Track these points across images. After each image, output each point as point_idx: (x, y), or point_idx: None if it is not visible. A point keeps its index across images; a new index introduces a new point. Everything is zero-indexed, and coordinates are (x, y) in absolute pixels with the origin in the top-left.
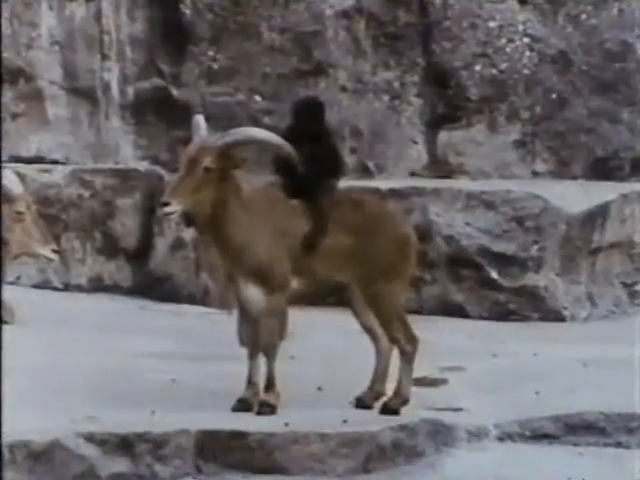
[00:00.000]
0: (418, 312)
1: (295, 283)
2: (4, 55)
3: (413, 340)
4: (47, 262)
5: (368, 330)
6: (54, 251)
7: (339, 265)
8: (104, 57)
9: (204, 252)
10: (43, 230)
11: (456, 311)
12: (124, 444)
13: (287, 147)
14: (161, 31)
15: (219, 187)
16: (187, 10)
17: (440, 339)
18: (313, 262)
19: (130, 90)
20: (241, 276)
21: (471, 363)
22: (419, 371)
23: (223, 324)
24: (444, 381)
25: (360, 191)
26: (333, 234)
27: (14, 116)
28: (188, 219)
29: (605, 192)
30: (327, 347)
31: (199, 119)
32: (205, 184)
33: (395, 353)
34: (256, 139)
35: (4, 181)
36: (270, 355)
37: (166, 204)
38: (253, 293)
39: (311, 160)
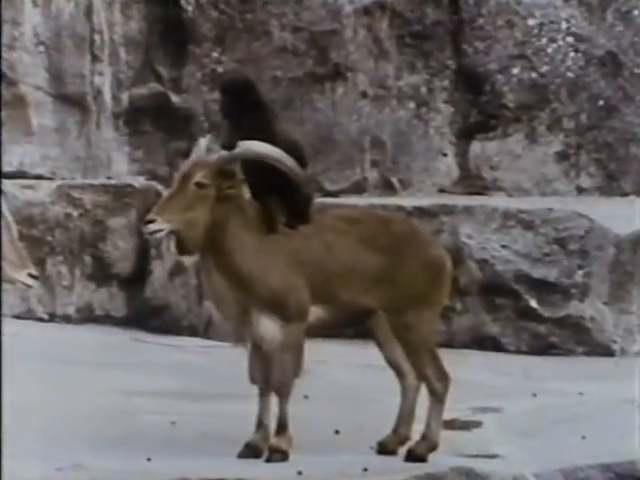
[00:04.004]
0: (448, 345)
1: (314, 312)
2: None
3: (444, 378)
4: (26, 289)
5: (393, 365)
6: (31, 276)
7: (364, 288)
8: (95, 59)
9: (207, 281)
10: (21, 252)
11: (491, 344)
12: None
13: (290, 163)
14: (159, 30)
15: (217, 207)
16: (188, 7)
17: (473, 376)
18: (335, 286)
19: (124, 96)
20: (253, 307)
21: (508, 403)
22: (449, 412)
23: (228, 359)
24: (477, 424)
25: (382, 209)
26: (357, 253)
27: None
28: (180, 244)
29: None
30: (345, 385)
31: (202, 143)
32: (198, 202)
33: (423, 392)
34: (256, 154)
35: None
36: (283, 394)
37: (151, 221)
38: (268, 326)
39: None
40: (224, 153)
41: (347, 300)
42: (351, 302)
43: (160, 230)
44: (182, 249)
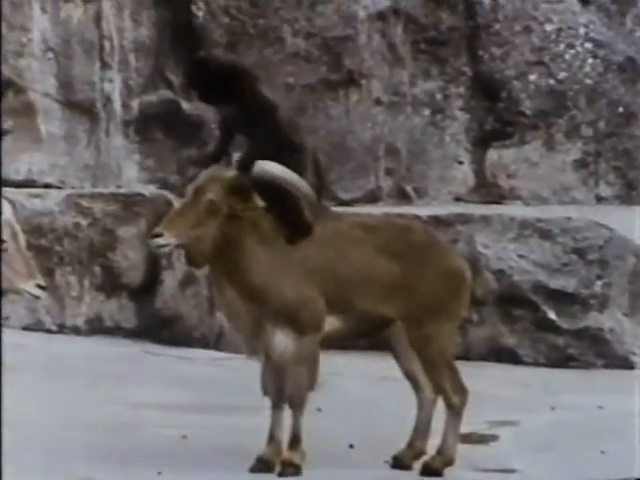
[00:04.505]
0: (464, 357)
1: (330, 322)
2: None
3: (462, 391)
4: (35, 300)
5: (410, 377)
6: (39, 287)
7: (381, 297)
8: (105, 66)
9: (219, 295)
10: (28, 262)
11: (508, 356)
12: None
13: (306, 188)
14: (170, 36)
15: (229, 224)
16: (200, 12)
17: (489, 389)
18: (351, 295)
19: (134, 104)
20: (268, 320)
21: (525, 417)
22: (466, 426)
23: (240, 371)
24: (494, 437)
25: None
26: (373, 261)
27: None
28: (188, 258)
29: None
30: (360, 397)
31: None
32: (208, 218)
33: (440, 405)
34: (271, 176)
35: None
36: (297, 407)
37: (158, 235)
38: (282, 338)
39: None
40: (239, 173)
41: (363, 309)
42: (368, 311)
43: (166, 245)
44: (190, 262)
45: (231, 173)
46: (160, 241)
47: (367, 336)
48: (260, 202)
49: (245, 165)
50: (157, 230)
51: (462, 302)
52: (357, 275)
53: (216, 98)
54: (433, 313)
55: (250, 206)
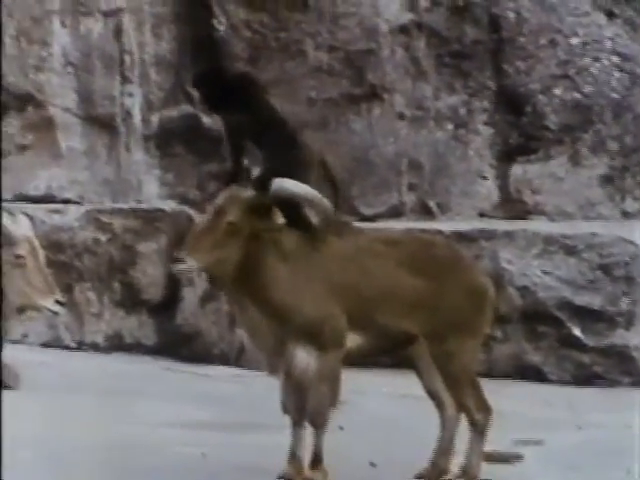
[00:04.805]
0: (488, 375)
1: (352, 339)
2: (10, 79)
3: (486, 409)
4: (54, 316)
5: (433, 395)
6: (58, 302)
7: (403, 313)
8: (125, 80)
9: (240, 313)
10: (47, 278)
11: (532, 374)
12: None
13: (325, 204)
14: (191, 50)
15: (249, 244)
16: (221, 26)
17: (514, 407)
18: (373, 311)
19: (155, 118)
20: (289, 338)
21: (550, 435)
22: (489, 444)
23: (260, 388)
24: (519, 457)
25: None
26: (395, 276)
27: (21, 148)
28: (211, 279)
29: None
30: (382, 415)
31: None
32: (229, 240)
33: (463, 423)
34: (292, 194)
35: (5, 221)
36: (319, 425)
37: (180, 260)
38: (304, 355)
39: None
40: (257, 193)
41: (385, 325)
42: (390, 327)
43: (189, 270)
44: (213, 284)
45: (249, 193)
46: (182, 266)
47: (389, 353)
48: (281, 219)
49: (263, 183)
50: (178, 255)
51: (485, 318)
52: (379, 291)
53: (223, 107)
54: (456, 329)
55: (271, 225)
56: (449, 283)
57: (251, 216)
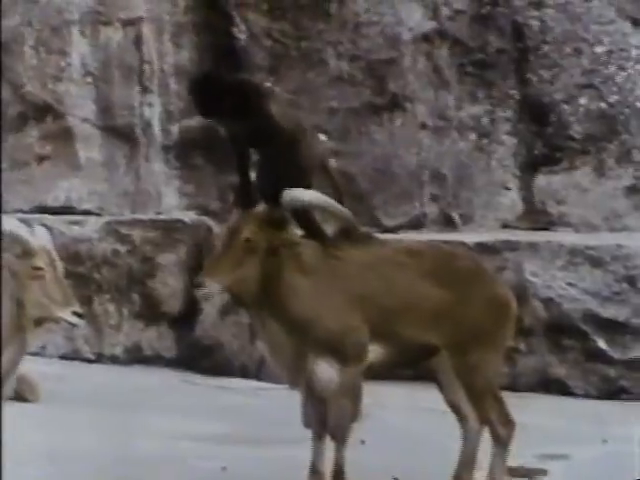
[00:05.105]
0: (512, 388)
1: (374, 350)
2: (28, 89)
3: (509, 423)
4: (72, 328)
5: (455, 408)
6: (77, 314)
7: (425, 324)
8: (144, 90)
9: (261, 329)
10: (66, 290)
11: (557, 387)
12: None
13: (346, 214)
14: (211, 60)
15: (267, 261)
16: (241, 35)
17: (538, 420)
18: (394, 322)
19: (174, 129)
20: (310, 352)
21: (576, 450)
22: (513, 459)
23: (281, 402)
24: (543, 472)
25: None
26: (417, 288)
27: (40, 159)
28: (234, 298)
29: None
30: (404, 429)
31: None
32: (247, 257)
33: (485, 437)
34: (308, 204)
35: (20, 231)
36: (340, 439)
37: (201, 285)
38: (325, 368)
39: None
40: (270, 207)
41: (407, 337)
42: (411, 339)
43: (211, 293)
44: (237, 303)
45: (262, 208)
46: (204, 291)
47: (411, 365)
48: (297, 231)
49: (272, 195)
50: (199, 280)
51: (507, 331)
52: (401, 302)
53: (218, 114)
54: (478, 342)
55: (287, 238)
56: (471, 295)
57: (266, 231)
